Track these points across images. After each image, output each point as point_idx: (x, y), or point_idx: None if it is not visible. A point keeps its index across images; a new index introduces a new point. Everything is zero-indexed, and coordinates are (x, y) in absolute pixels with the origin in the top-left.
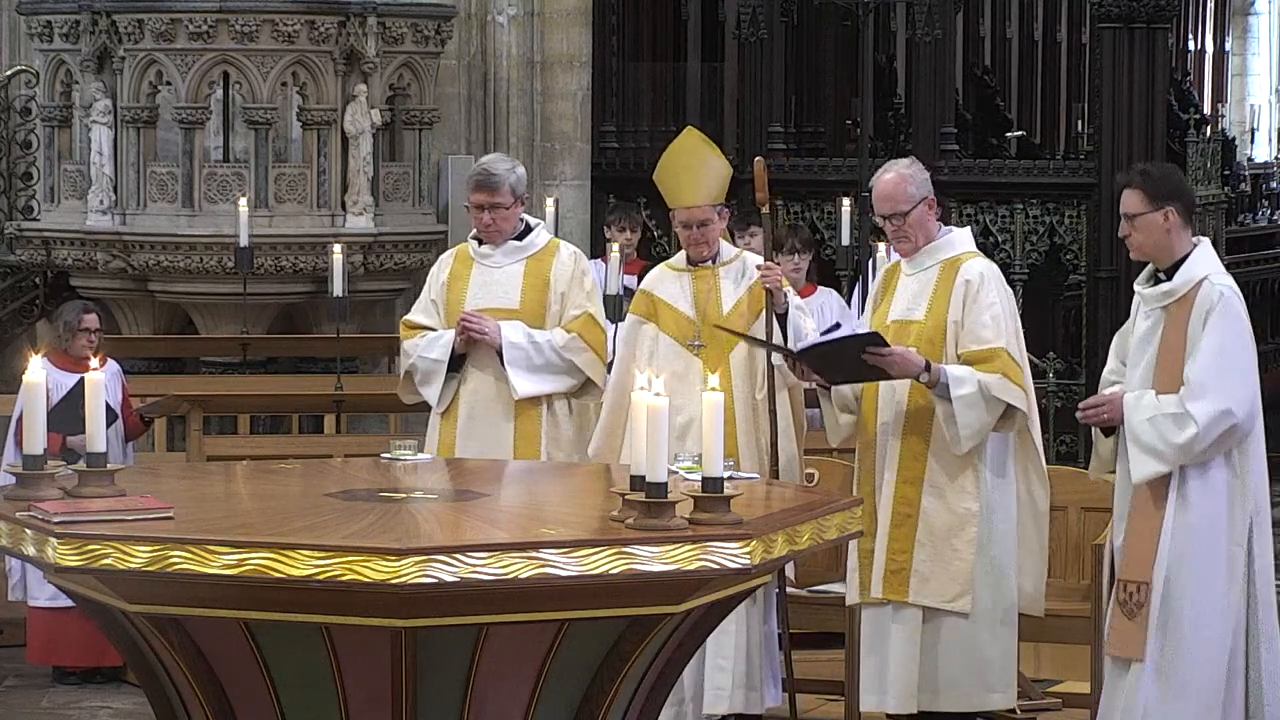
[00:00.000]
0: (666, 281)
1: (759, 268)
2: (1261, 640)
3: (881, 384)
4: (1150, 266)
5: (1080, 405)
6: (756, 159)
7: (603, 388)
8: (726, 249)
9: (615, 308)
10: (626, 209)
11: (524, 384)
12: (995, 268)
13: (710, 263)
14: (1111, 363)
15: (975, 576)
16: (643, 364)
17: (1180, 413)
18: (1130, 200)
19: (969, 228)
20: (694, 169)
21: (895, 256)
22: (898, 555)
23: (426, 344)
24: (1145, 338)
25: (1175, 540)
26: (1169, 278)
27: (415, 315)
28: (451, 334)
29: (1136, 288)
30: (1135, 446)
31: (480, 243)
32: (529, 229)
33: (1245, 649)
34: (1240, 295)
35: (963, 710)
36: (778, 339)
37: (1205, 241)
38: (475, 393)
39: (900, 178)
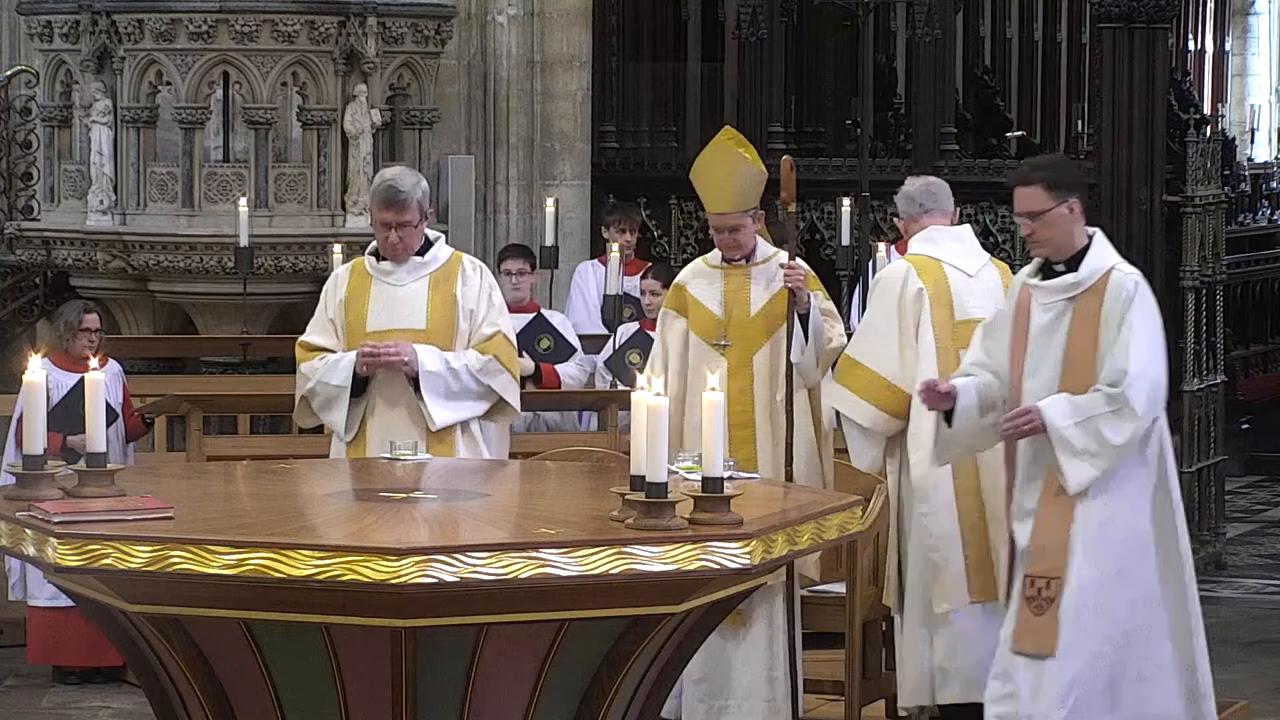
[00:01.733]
0: (699, 278)
1: (782, 266)
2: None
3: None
4: (1038, 260)
5: (1003, 419)
6: (785, 158)
7: (517, 409)
8: (763, 248)
9: (615, 309)
10: (625, 210)
11: (442, 413)
12: (895, 270)
13: (743, 262)
14: (973, 354)
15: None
16: (673, 359)
17: (1119, 408)
18: (1033, 198)
19: (966, 227)
20: (726, 175)
21: (895, 257)
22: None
23: (326, 368)
24: (1047, 331)
25: (1086, 531)
26: (1069, 269)
27: (312, 335)
28: (352, 357)
29: (1028, 281)
30: (1065, 453)
31: (378, 258)
32: (428, 243)
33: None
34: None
35: (907, 705)
36: (799, 339)
37: (1099, 231)
38: (387, 420)
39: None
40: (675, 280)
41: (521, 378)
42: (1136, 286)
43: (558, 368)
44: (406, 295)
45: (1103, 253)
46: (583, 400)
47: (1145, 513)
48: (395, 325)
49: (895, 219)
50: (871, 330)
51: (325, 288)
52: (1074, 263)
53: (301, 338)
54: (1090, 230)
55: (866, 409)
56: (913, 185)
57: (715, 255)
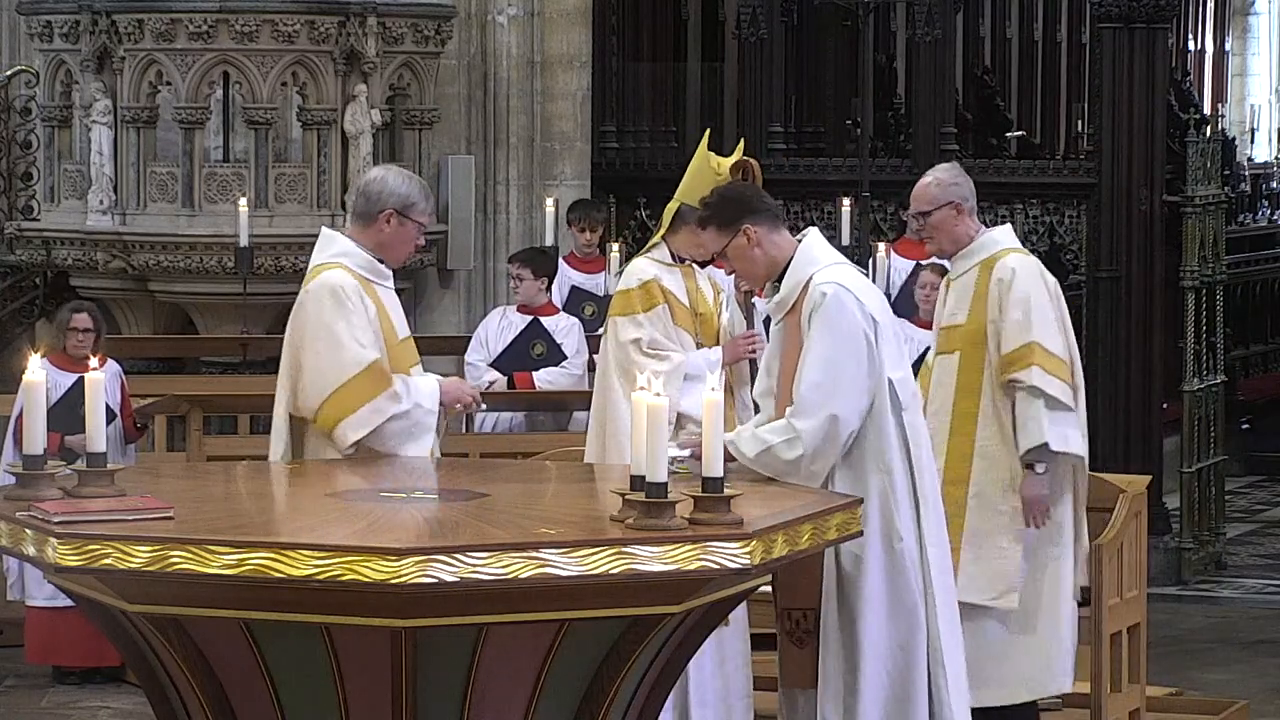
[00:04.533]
0: (665, 274)
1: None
2: (941, 632)
3: (935, 389)
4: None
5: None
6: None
7: None
8: None
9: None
10: (585, 208)
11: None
12: (1031, 260)
13: (687, 261)
14: (760, 383)
15: (1018, 573)
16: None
17: (790, 437)
18: (711, 239)
19: (1008, 225)
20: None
21: (895, 257)
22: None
23: (415, 393)
24: (773, 348)
25: (838, 557)
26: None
27: (375, 354)
28: (434, 385)
29: (759, 302)
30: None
31: (380, 264)
32: None
33: (927, 644)
34: (850, 286)
35: (1003, 704)
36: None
37: (809, 234)
38: None
39: (930, 180)
40: (643, 277)
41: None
42: (823, 299)
43: (537, 374)
44: (396, 301)
45: (803, 263)
46: (582, 400)
47: (878, 530)
48: (407, 333)
49: (960, 203)
50: (1040, 314)
51: (344, 304)
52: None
53: (371, 361)
54: (804, 233)
55: (1060, 385)
56: (950, 172)
57: (662, 253)
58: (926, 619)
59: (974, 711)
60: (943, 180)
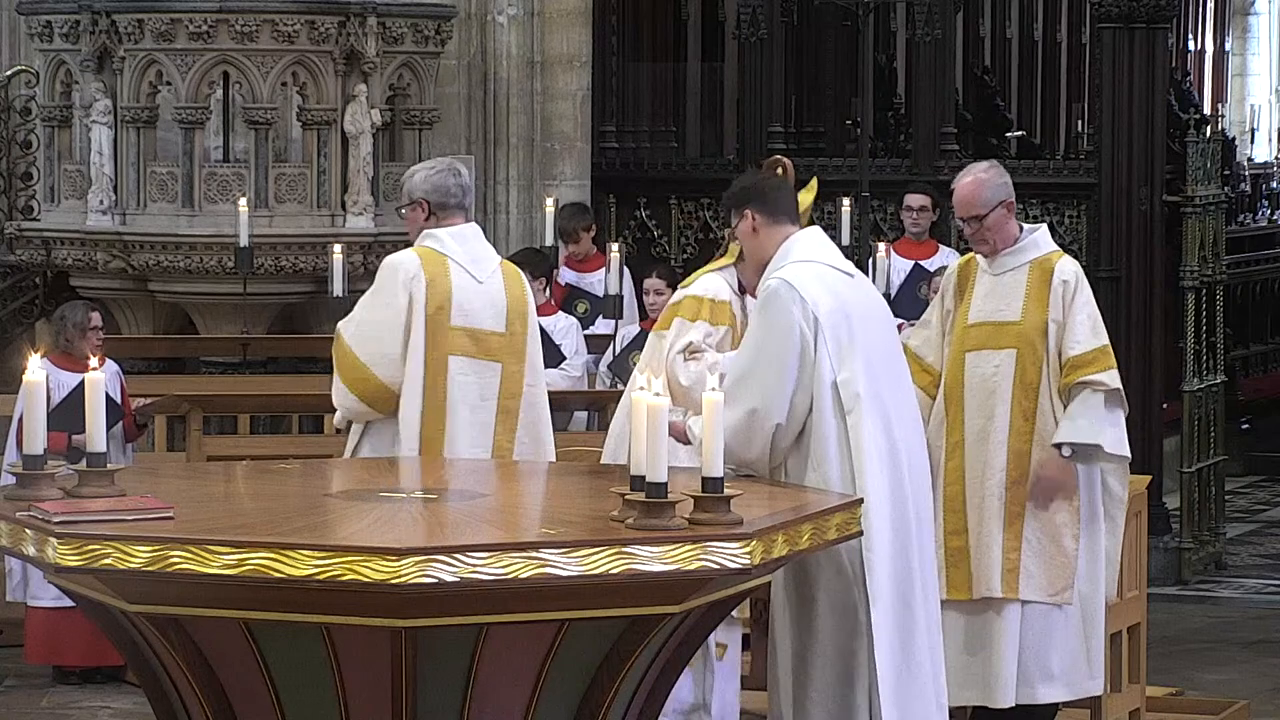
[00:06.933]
0: (734, 301)
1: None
2: (879, 641)
3: (975, 386)
4: None
5: None
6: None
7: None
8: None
9: (616, 307)
10: (566, 218)
11: None
12: (1079, 266)
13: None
14: None
15: (1076, 572)
16: None
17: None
18: (731, 221)
19: (1044, 225)
20: None
21: (895, 257)
22: (1010, 553)
23: None
24: None
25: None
26: None
27: None
28: None
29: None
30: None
31: None
32: None
33: (867, 650)
34: (795, 283)
35: (1062, 700)
36: None
37: (808, 232)
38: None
39: (977, 181)
40: (719, 296)
41: None
42: (767, 293)
43: None
44: None
45: (777, 260)
46: (582, 400)
47: None
48: None
49: (1009, 200)
50: (1099, 317)
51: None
52: None
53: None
54: (803, 231)
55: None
56: (993, 170)
57: (732, 277)
58: (866, 624)
59: (1019, 709)
60: (991, 180)
